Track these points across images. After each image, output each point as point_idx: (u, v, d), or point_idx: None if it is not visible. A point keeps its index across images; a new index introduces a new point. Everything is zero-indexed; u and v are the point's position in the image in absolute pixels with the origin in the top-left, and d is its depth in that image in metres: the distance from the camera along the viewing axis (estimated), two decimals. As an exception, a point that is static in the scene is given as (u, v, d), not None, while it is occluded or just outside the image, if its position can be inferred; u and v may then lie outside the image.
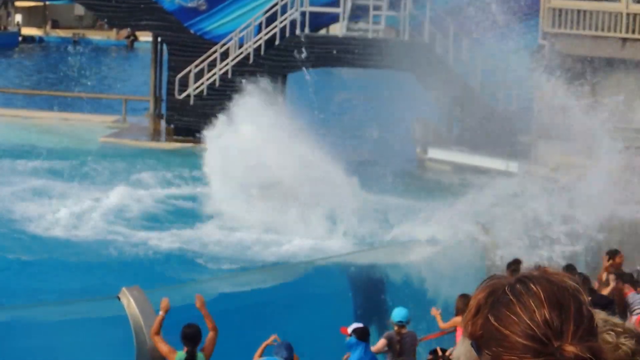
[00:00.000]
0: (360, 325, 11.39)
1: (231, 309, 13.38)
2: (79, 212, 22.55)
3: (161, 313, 10.74)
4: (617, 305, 13.53)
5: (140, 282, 11.90)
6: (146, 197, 24.27)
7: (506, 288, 2.18)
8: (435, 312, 13.08)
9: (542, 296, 2.13)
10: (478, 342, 2.19)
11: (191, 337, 10.39)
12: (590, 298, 12.00)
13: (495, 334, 2.14)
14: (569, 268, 15.45)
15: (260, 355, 10.98)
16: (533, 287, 2.15)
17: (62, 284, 17.53)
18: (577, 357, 2.08)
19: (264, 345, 11.12)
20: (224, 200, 22.85)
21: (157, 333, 10.65)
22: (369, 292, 16.20)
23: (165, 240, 20.95)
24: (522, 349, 2.10)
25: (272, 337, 11.15)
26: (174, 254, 20.16)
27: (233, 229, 21.80)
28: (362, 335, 11.11)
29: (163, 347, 10.56)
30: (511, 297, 2.15)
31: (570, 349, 2.08)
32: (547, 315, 2.11)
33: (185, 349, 10.42)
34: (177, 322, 11.52)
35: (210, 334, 10.70)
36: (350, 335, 11.15)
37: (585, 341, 2.11)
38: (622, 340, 2.68)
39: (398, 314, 12.18)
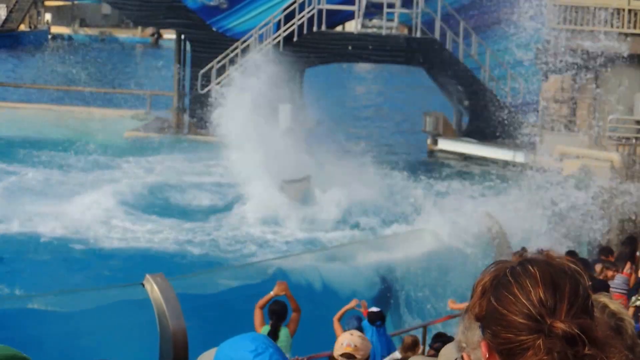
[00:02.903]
0: (374, 309, 11.42)
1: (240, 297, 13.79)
2: (101, 202, 22.82)
3: (271, 293, 11.35)
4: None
5: (165, 270, 12.33)
6: (168, 187, 24.72)
7: (507, 271, 2.24)
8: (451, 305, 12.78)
9: (538, 277, 2.19)
10: (481, 322, 2.26)
11: (276, 313, 11.16)
12: (590, 283, 12.69)
13: (495, 314, 2.21)
14: (571, 254, 16.10)
15: (339, 319, 11.36)
16: (531, 268, 2.21)
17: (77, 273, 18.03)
18: (566, 333, 2.13)
19: (344, 309, 11.51)
20: (249, 192, 23.23)
21: (261, 307, 11.37)
22: (384, 281, 16.33)
23: (185, 231, 21.23)
24: (519, 327, 2.17)
25: (354, 302, 11.57)
26: (194, 244, 20.43)
27: (254, 221, 22.16)
28: (372, 319, 11.15)
29: (257, 320, 11.29)
30: (510, 279, 2.21)
31: (558, 325, 2.13)
32: (541, 295, 2.17)
33: (270, 323, 11.13)
34: (198, 307, 12.47)
35: (294, 314, 11.37)
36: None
37: (578, 318, 2.15)
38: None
39: None
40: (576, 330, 2.13)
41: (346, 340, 8.11)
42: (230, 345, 2.92)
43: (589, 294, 2.24)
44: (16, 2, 61.32)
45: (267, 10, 31.47)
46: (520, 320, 2.16)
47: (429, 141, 29.10)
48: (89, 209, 22.37)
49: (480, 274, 2.31)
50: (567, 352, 2.12)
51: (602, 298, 3.00)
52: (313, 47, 30.42)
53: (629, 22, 25.69)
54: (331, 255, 16.85)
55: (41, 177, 25.38)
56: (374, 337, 10.97)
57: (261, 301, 11.42)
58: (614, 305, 2.94)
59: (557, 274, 2.21)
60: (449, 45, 29.49)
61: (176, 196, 24.31)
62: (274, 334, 10.98)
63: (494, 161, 26.23)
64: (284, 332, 11.17)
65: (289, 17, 30.68)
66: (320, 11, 30.42)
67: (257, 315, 11.35)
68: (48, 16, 66.76)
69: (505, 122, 26.98)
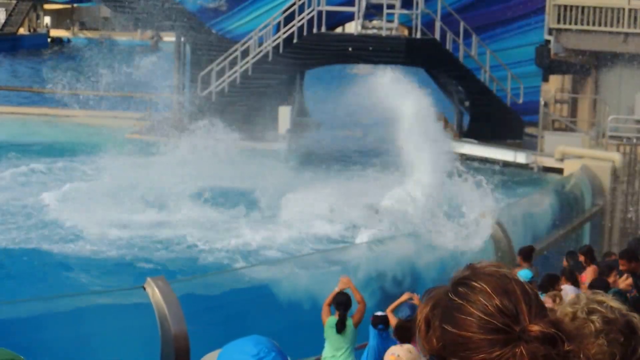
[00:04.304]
0: (378, 313, 11.60)
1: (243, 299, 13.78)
2: (102, 206, 22.72)
3: (336, 289, 11.71)
4: None
5: (170, 272, 12.24)
6: (169, 189, 24.37)
7: (450, 295, 2.16)
8: None
9: (488, 289, 2.12)
10: (440, 355, 2.16)
11: (342, 303, 11.53)
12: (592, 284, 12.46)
13: (458, 340, 2.11)
14: (571, 254, 16.04)
15: (393, 310, 11.60)
16: (475, 284, 2.14)
17: (79, 275, 17.82)
18: (544, 334, 2.08)
19: (398, 302, 11.72)
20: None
21: (328, 304, 11.75)
22: (390, 282, 16.63)
23: (188, 233, 21.10)
24: (488, 344, 2.09)
25: (407, 295, 11.79)
26: (199, 246, 20.28)
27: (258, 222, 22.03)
28: (374, 323, 11.25)
29: (325, 315, 11.69)
30: (459, 301, 2.13)
31: (534, 328, 2.08)
32: (499, 305, 2.10)
33: (337, 313, 11.54)
34: (202, 309, 12.46)
35: (360, 306, 11.76)
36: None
37: (542, 317, 2.10)
38: (593, 317, 2.75)
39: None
40: (552, 329, 2.08)
41: (395, 350, 8.50)
42: (232, 349, 2.85)
43: (535, 291, 2.17)
44: (15, 5, 61.42)
45: (267, 12, 31.51)
46: (489, 337, 2.08)
47: (429, 142, 29.06)
48: (85, 211, 22.20)
49: (418, 309, 2.22)
50: (551, 353, 2.07)
51: (601, 297, 2.91)
52: (313, 49, 30.43)
53: (629, 22, 25.73)
54: (334, 256, 16.82)
55: (39, 179, 25.31)
56: (377, 341, 11.10)
57: (328, 299, 11.83)
58: (615, 303, 2.86)
59: (501, 280, 2.14)
60: (449, 46, 29.52)
61: (178, 196, 24.06)
62: (341, 324, 11.48)
63: (495, 162, 26.25)
64: (348, 323, 11.58)
65: (289, 19, 30.70)
66: (320, 13, 30.41)
67: (325, 311, 11.80)
68: (47, 19, 66.88)
69: (506, 122, 27.04)
